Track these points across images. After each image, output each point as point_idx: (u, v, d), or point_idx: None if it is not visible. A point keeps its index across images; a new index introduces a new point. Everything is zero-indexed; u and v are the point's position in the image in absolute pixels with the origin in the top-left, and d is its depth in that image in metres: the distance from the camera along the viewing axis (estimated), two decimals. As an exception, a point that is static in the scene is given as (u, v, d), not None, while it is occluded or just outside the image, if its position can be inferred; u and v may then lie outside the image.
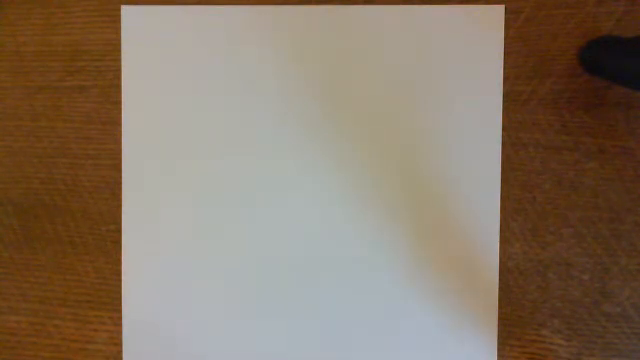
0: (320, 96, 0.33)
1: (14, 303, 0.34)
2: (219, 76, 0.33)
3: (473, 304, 0.32)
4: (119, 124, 0.34)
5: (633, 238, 0.32)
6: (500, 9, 0.32)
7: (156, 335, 0.33)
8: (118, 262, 0.33)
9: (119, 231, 0.34)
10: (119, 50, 0.33)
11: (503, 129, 0.32)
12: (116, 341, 0.33)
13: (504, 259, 0.33)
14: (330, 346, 0.33)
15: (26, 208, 0.34)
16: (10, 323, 0.33)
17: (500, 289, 0.33)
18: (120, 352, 0.33)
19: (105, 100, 0.34)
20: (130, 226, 0.33)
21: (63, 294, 0.33)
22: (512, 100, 0.32)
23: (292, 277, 0.33)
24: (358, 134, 0.32)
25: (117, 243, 0.34)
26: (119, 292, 0.33)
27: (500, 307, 0.33)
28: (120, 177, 0.33)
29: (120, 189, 0.33)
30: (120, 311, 0.33)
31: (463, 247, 0.32)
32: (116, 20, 0.33)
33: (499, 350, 0.33)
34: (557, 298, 0.32)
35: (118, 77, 0.33)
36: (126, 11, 0.33)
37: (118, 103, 0.33)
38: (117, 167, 0.34)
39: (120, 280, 0.33)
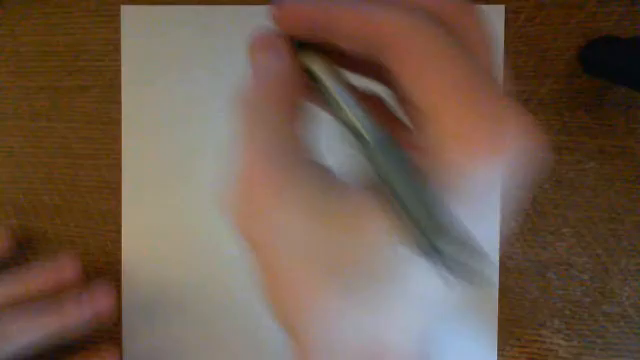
0: (320, 96, 0.32)
1: (14, 303, 0.34)
2: (219, 76, 0.33)
3: (473, 304, 0.32)
4: (119, 124, 0.33)
5: (633, 238, 0.32)
6: (500, 9, 0.32)
7: (156, 335, 0.33)
8: (118, 262, 0.33)
9: (119, 231, 0.33)
10: (119, 50, 0.33)
11: (503, 129, 0.32)
12: (116, 341, 0.33)
13: (504, 259, 0.33)
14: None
15: (26, 208, 0.34)
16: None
17: (500, 289, 0.33)
18: (120, 352, 0.33)
19: (105, 100, 0.34)
20: (130, 225, 0.33)
21: (63, 294, 0.33)
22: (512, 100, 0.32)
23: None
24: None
25: (117, 243, 0.34)
26: (119, 292, 0.33)
27: (500, 307, 0.33)
28: (120, 177, 0.33)
29: (120, 189, 0.33)
30: (120, 311, 0.33)
31: (463, 247, 0.32)
32: (116, 20, 0.33)
33: (499, 350, 0.33)
34: (557, 298, 0.32)
35: (118, 77, 0.33)
36: (126, 11, 0.33)
37: (118, 103, 0.33)
38: (117, 167, 0.34)
39: (120, 280, 0.33)
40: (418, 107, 0.17)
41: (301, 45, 0.19)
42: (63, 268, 0.31)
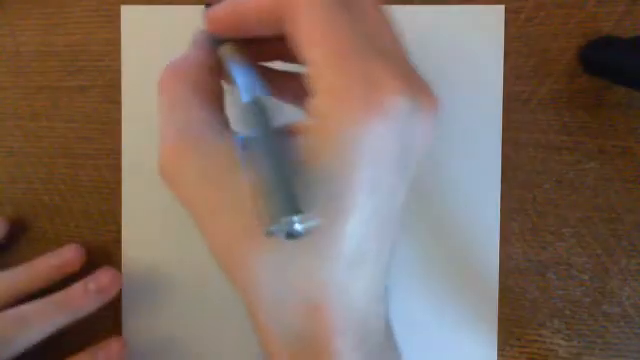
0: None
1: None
2: (219, 76, 0.33)
3: (473, 304, 0.32)
4: (119, 124, 0.33)
5: (633, 238, 0.32)
6: (500, 9, 0.32)
7: (156, 336, 0.33)
8: (118, 262, 0.33)
9: (119, 231, 0.33)
10: (119, 50, 0.33)
11: (503, 129, 0.32)
12: (116, 341, 0.33)
13: (504, 259, 0.33)
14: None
15: (26, 208, 0.34)
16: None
17: (500, 289, 0.33)
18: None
19: (105, 100, 0.34)
20: (130, 226, 0.33)
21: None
22: (512, 100, 0.32)
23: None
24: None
25: (117, 243, 0.34)
26: (119, 292, 0.33)
27: (500, 307, 0.33)
28: (120, 177, 0.33)
29: (120, 189, 0.33)
30: (120, 311, 0.33)
31: (463, 247, 0.32)
32: (116, 20, 0.33)
33: (499, 350, 0.33)
34: (557, 298, 0.32)
35: (118, 77, 0.33)
36: (126, 11, 0.33)
37: (118, 103, 0.33)
38: (117, 167, 0.34)
39: (120, 280, 0.33)
40: (307, 68, 0.20)
41: (224, 41, 0.23)
42: (68, 257, 0.32)
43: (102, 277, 0.32)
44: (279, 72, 0.25)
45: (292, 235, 0.17)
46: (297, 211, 0.16)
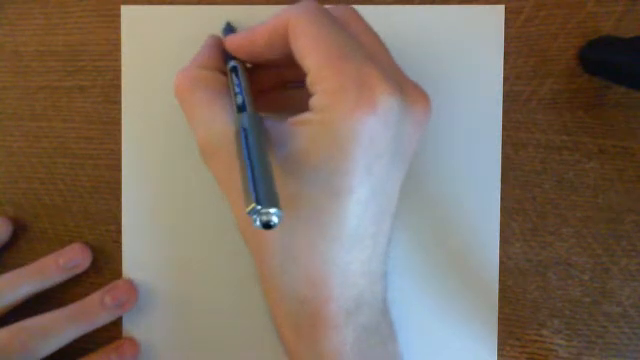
0: (320, 96, 0.32)
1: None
2: (219, 76, 0.33)
3: (473, 304, 0.32)
4: (119, 124, 0.33)
5: (633, 238, 0.32)
6: (500, 9, 0.32)
7: (156, 336, 0.33)
8: (118, 262, 0.33)
9: (119, 231, 0.34)
10: (119, 50, 0.33)
11: (503, 129, 0.32)
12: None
13: (504, 259, 0.33)
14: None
15: (26, 208, 0.34)
16: (10, 324, 0.33)
17: (500, 289, 0.33)
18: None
19: (105, 100, 0.34)
20: (130, 226, 0.33)
21: (62, 295, 0.33)
22: (512, 100, 0.33)
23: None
24: (358, 134, 0.32)
25: (117, 243, 0.34)
26: (119, 292, 0.33)
27: (500, 307, 0.33)
28: (120, 177, 0.33)
29: (120, 189, 0.33)
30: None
31: (463, 247, 0.33)
32: (116, 20, 0.33)
33: (499, 350, 0.33)
34: (557, 298, 0.33)
35: (118, 77, 0.33)
36: (126, 11, 0.33)
37: (118, 103, 0.33)
38: (117, 167, 0.34)
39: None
40: (306, 73, 0.23)
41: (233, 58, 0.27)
42: (75, 257, 0.32)
43: (119, 291, 0.32)
44: (291, 88, 0.30)
45: (267, 225, 0.19)
46: (276, 206, 0.19)
